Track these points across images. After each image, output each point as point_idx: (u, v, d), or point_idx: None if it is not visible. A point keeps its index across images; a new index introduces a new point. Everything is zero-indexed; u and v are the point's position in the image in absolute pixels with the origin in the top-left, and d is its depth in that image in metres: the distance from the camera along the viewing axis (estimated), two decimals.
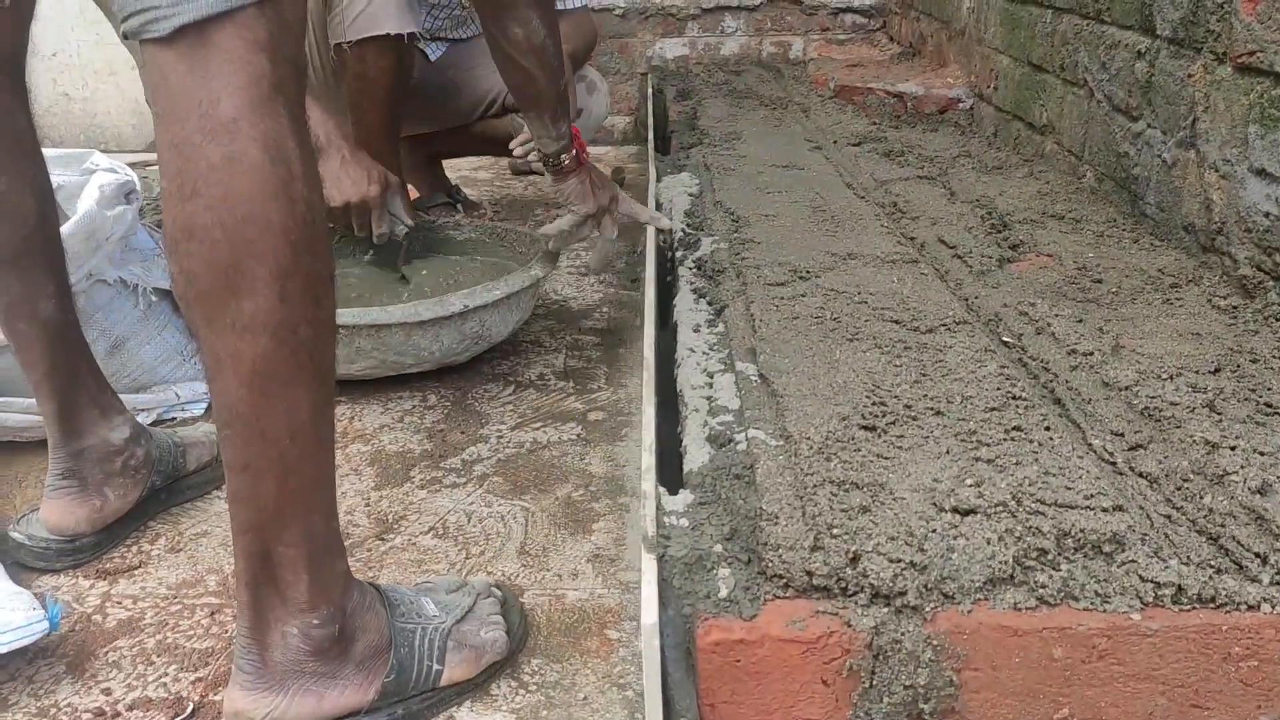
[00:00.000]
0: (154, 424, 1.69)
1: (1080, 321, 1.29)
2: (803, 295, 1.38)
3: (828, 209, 1.80)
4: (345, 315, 1.65)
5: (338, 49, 2.22)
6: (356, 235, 1.93)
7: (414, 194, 2.72)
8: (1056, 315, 1.30)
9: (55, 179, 1.74)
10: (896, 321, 1.29)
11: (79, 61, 3.61)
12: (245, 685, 0.93)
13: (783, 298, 1.37)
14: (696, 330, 1.36)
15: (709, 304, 1.46)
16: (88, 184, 1.70)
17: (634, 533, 1.35)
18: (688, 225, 1.82)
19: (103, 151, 3.48)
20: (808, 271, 1.47)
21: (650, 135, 2.67)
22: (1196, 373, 1.14)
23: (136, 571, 1.29)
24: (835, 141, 2.35)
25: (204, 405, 1.74)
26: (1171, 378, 1.12)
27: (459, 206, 2.76)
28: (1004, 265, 1.54)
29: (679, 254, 1.73)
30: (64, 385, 1.27)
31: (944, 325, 1.28)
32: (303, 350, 0.84)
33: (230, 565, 1.30)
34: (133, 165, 3.26)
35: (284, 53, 0.82)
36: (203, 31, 0.77)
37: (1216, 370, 1.16)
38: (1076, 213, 1.80)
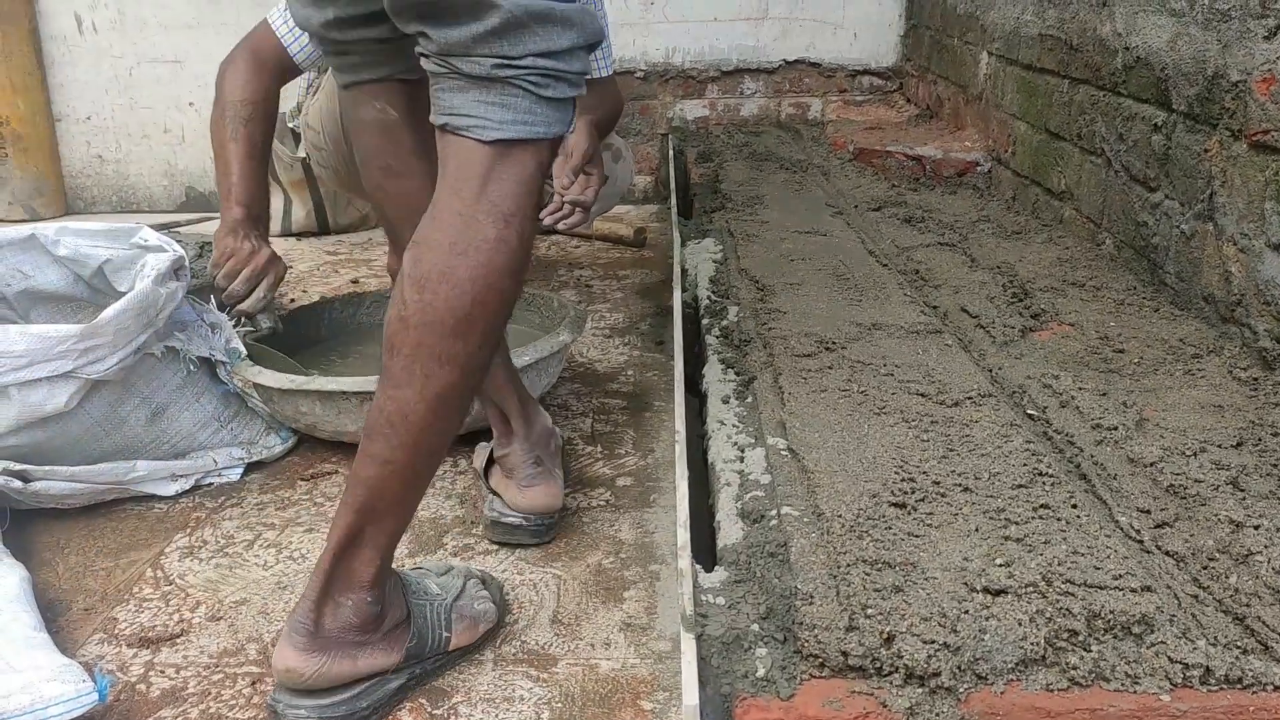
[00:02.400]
0: (191, 489, 1.73)
1: (1104, 395, 1.31)
2: (830, 367, 1.41)
3: (851, 277, 1.83)
4: (358, 382, 1.69)
5: None
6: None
7: None
8: (1080, 388, 1.33)
9: (105, 253, 1.81)
10: (923, 395, 1.31)
11: (113, 125, 3.69)
12: (298, 646, 1.10)
13: (810, 370, 1.40)
14: (725, 402, 1.39)
15: (736, 374, 1.49)
16: (140, 259, 1.75)
17: (665, 601, 1.37)
18: (713, 293, 1.85)
19: (134, 212, 3.55)
20: (834, 342, 1.50)
21: (674, 199, 2.72)
22: (1220, 447, 1.17)
23: (178, 640, 1.32)
24: (856, 206, 2.39)
25: (239, 471, 1.77)
26: (1195, 454, 1.14)
27: None
28: (1026, 335, 1.57)
29: (706, 321, 1.76)
30: (518, 381, 1.51)
31: (969, 398, 1.30)
32: (470, 390, 1.09)
33: (269, 635, 1.32)
34: (162, 227, 3.32)
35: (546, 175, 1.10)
36: (510, 146, 1.04)
37: (1239, 445, 1.18)
38: (1097, 280, 1.82)
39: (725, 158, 3.02)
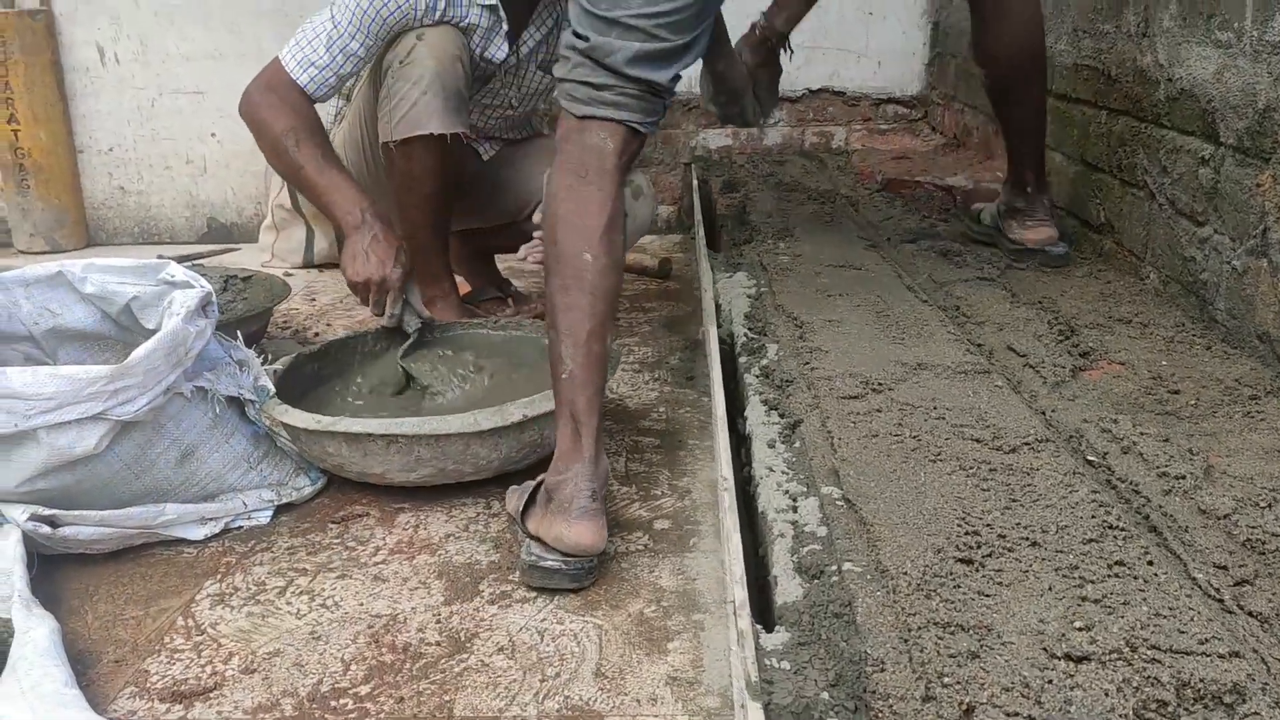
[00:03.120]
0: (220, 533, 1.69)
1: (1166, 440, 1.27)
2: (878, 410, 1.37)
3: (891, 313, 1.80)
4: (405, 425, 1.66)
5: (385, 148, 2.27)
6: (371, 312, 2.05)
7: (465, 288, 2.74)
8: (1141, 433, 1.29)
9: (132, 289, 1.78)
10: (977, 440, 1.27)
11: (134, 156, 3.68)
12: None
13: (858, 413, 1.36)
14: (772, 446, 1.35)
15: (780, 416, 1.45)
16: (167, 295, 1.72)
17: (710, 653, 1.33)
18: (750, 329, 1.82)
19: (156, 243, 3.54)
20: (880, 384, 1.46)
21: (699, 231, 2.69)
22: None
23: (212, 695, 1.28)
24: (889, 238, 2.36)
25: (269, 513, 1.73)
26: (1270, 505, 1.10)
27: (510, 300, 2.78)
28: (1077, 374, 1.53)
29: (744, 360, 1.73)
30: (602, 404, 1.53)
31: (1026, 444, 1.26)
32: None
33: (304, 688, 1.29)
34: (185, 258, 3.30)
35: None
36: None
37: None
38: (1143, 316, 1.79)
39: (751, 188, 2.99)
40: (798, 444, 1.32)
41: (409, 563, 1.60)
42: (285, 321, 2.75)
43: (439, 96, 2.18)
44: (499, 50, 2.30)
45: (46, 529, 1.53)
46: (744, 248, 2.37)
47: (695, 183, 3.29)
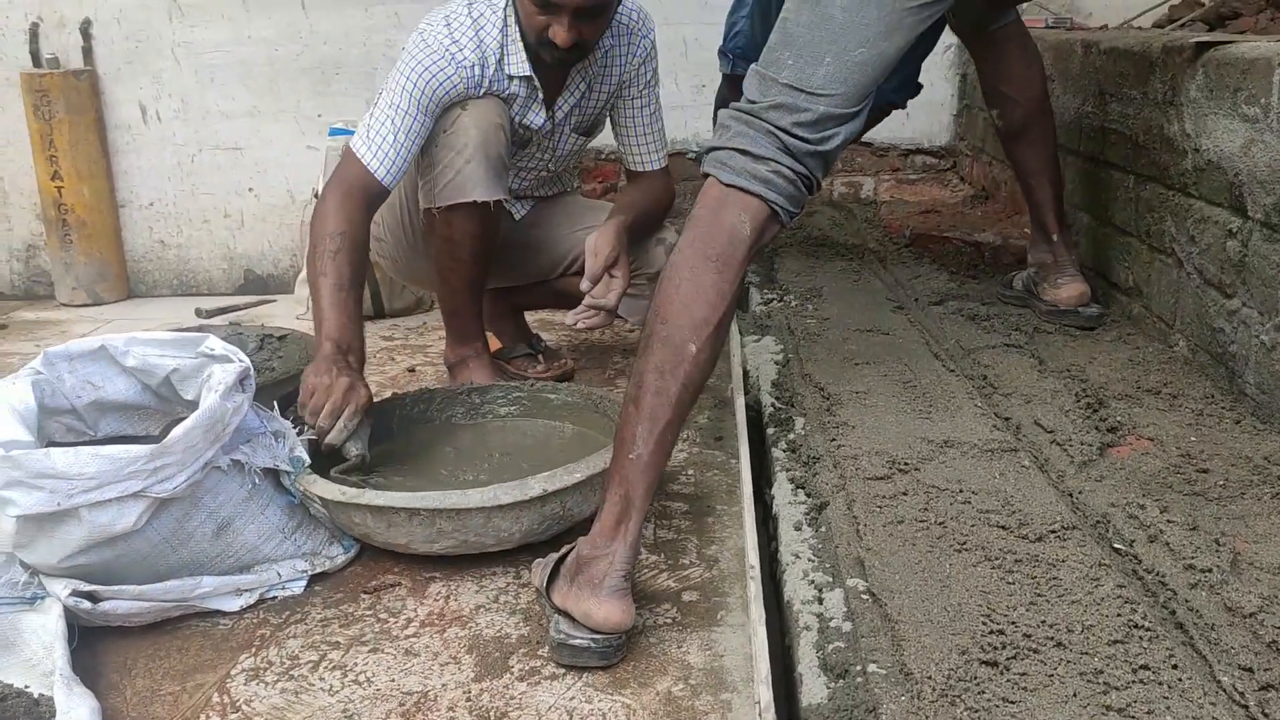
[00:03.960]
0: (256, 604, 1.72)
1: (1194, 529, 1.27)
2: (904, 493, 1.38)
3: (918, 384, 1.81)
4: (427, 499, 1.69)
5: (427, 212, 2.31)
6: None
7: (496, 344, 2.78)
8: (1169, 521, 1.29)
9: (172, 362, 1.82)
10: (1003, 527, 1.28)
11: (174, 211, 3.76)
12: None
13: (884, 496, 1.37)
14: (798, 529, 1.36)
15: (807, 495, 1.46)
16: (205, 368, 1.76)
17: None
18: (777, 400, 1.83)
19: (194, 295, 3.60)
20: (906, 463, 1.47)
21: None
22: None
23: None
24: (917, 299, 2.37)
25: (303, 583, 1.76)
26: None
27: (540, 356, 2.81)
28: (1104, 452, 1.53)
29: (771, 432, 1.74)
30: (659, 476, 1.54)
31: (1052, 531, 1.27)
32: None
33: None
34: (221, 311, 3.35)
35: None
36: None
37: None
38: (1172, 387, 1.78)
39: (780, 242, 3.01)
40: (824, 529, 1.33)
41: (440, 636, 1.62)
42: (300, 342, 2.73)
43: (482, 165, 2.23)
44: (536, 117, 2.35)
45: (87, 604, 1.57)
46: (771, 308, 2.39)
47: None
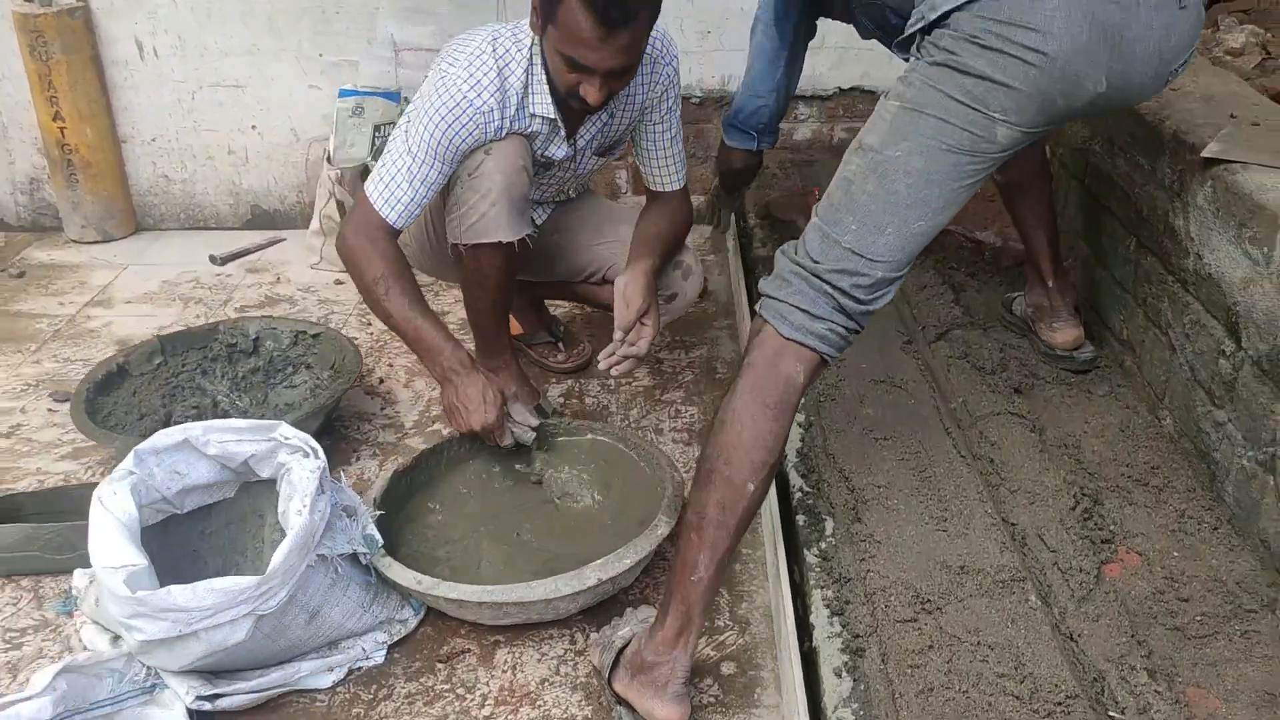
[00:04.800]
0: (345, 676, 1.95)
1: (1176, 702, 1.51)
2: (931, 647, 1.61)
3: (932, 474, 2.00)
4: (495, 593, 1.90)
5: (454, 245, 2.41)
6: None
7: (518, 329, 2.92)
8: (1155, 691, 1.53)
9: (249, 448, 1.98)
10: (1017, 697, 1.52)
11: (177, 146, 3.77)
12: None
13: (913, 651, 1.60)
14: (839, 676, 1.59)
15: (843, 626, 1.68)
16: (277, 450, 1.92)
17: None
18: (805, 482, 2.03)
19: (202, 228, 3.66)
20: (929, 601, 1.69)
21: (741, 289, 2.85)
22: None
23: None
24: (924, 328, 2.53)
25: (383, 653, 1.98)
26: None
27: (560, 344, 2.96)
28: (1099, 576, 1.76)
29: (801, 520, 1.94)
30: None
31: (1059, 704, 1.50)
32: None
33: None
34: (235, 255, 3.41)
35: None
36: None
37: None
38: (1160, 475, 2.00)
39: (784, 234, 3.11)
40: (862, 687, 1.56)
41: (514, 715, 1.86)
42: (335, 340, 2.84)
43: (506, 209, 2.32)
44: (559, 150, 2.42)
45: (209, 705, 1.79)
46: None
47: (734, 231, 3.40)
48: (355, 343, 2.75)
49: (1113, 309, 2.40)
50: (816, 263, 1.66)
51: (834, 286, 1.65)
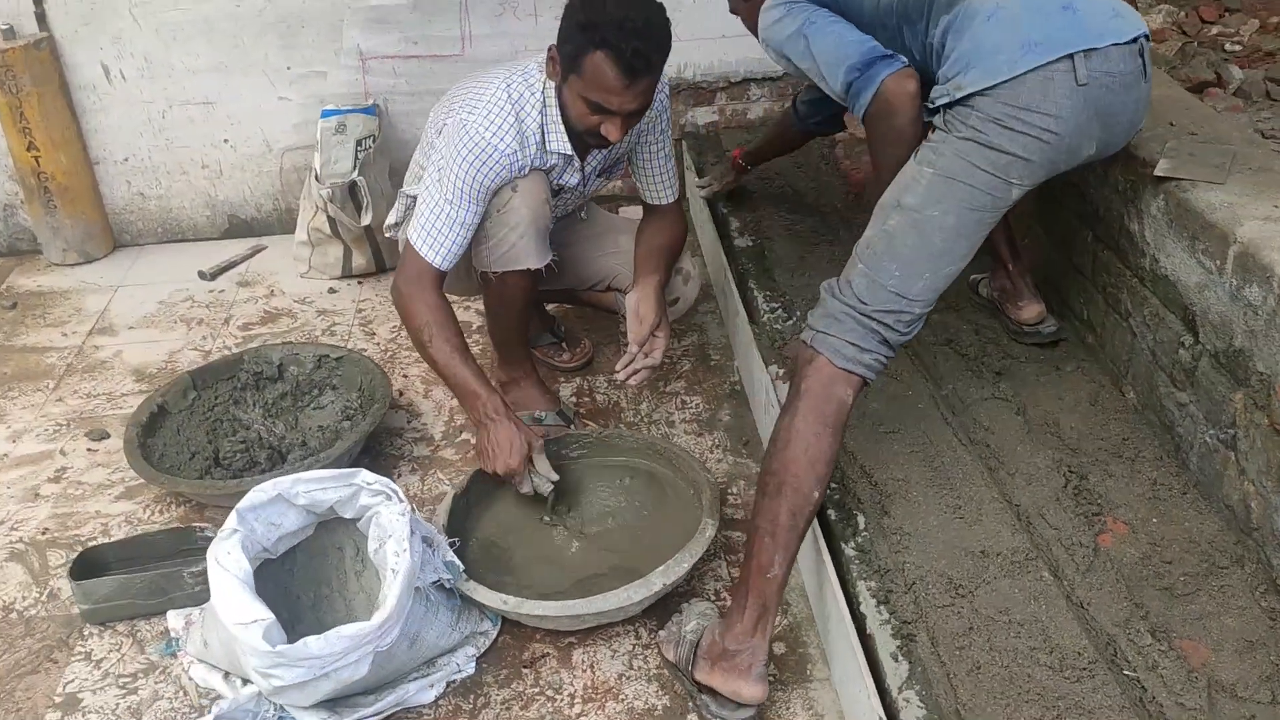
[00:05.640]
0: (445, 691, 2.19)
1: (1178, 658, 1.84)
2: (972, 629, 1.91)
3: (941, 466, 2.29)
4: (574, 607, 2.16)
5: (483, 274, 2.62)
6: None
7: None
8: (1161, 650, 1.85)
9: (334, 495, 2.19)
10: (1050, 668, 1.83)
11: (150, 164, 3.85)
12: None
13: (957, 634, 1.90)
14: (895, 660, 1.89)
15: (890, 613, 1.97)
16: (357, 493, 2.15)
17: None
18: (832, 486, 2.30)
19: (181, 240, 3.76)
20: (962, 587, 1.99)
21: (733, 292, 3.09)
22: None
23: None
24: None
25: (473, 664, 2.23)
26: None
27: (564, 344, 3.18)
28: (1096, 550, 2.07)
29: (833, 515, 2.22)
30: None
31: (1085, 670, 1.82)
32: None
33: None
34: (219, 271, 3.50)
35: None
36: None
37: (1274, 701, 1.73)
38: (1130, 446, 2.31)
39: (767, 226, 3.35)
40: (919, 670, 1.86)
41: (602, 711, 2.13)
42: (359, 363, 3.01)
43: (533, 240, 2.54)
44: (572, 178, 2.63)
45: None
46: (781, 321, 2.81)
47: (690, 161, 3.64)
48: (376, 363, 2.94)
49: (1072, 292, 2.70)
50: (865, 304, 2.01)
51: (881, 323, 2.01)
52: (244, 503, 2.14)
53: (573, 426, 2.85)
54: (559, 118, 2.48)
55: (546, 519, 2.52)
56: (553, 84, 2.44)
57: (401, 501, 2.17)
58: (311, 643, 1.92)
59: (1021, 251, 2.75)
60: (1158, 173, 2.23)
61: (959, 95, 2.04)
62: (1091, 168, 2.52)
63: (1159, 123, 2.44)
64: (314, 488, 2.19)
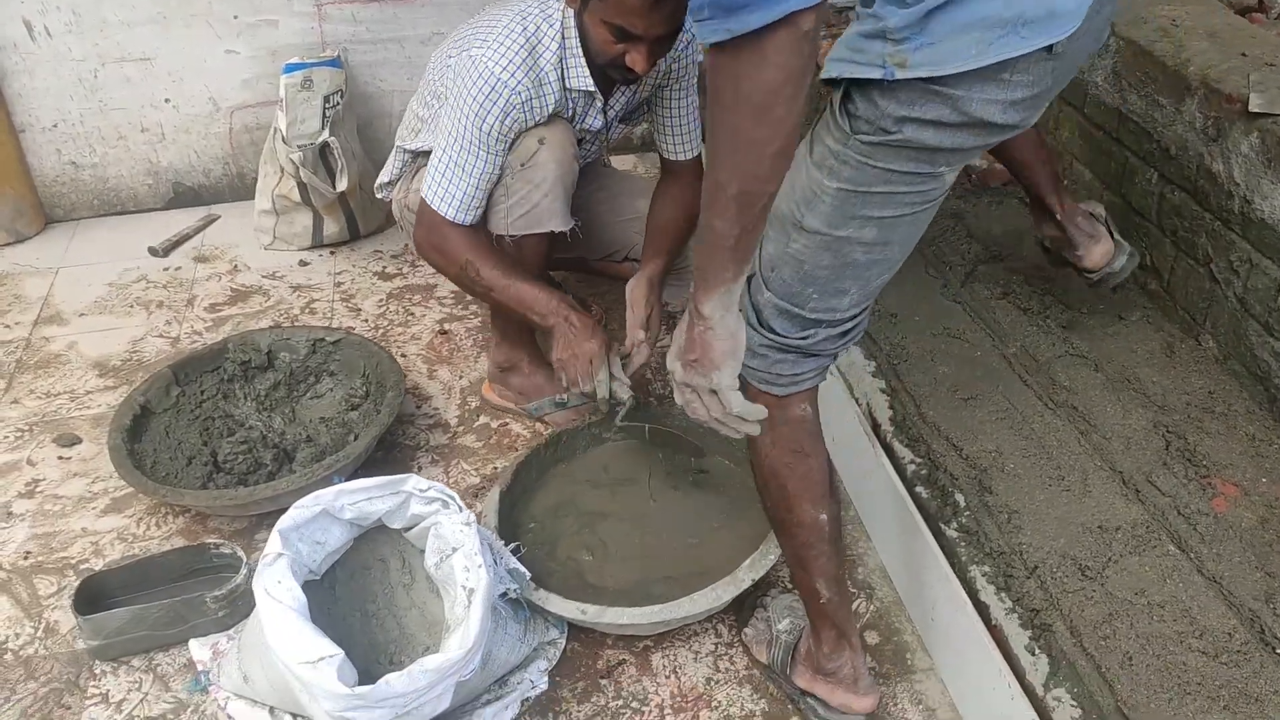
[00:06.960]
0: (520, 711, 1.99)
1: None
2: (1112, 615, 1.77)
3: (1032, 434, 2.14)
4: (659, 612, 1.97)
5: (498, 236, 2.38)
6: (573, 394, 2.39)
7: None
8: None
9: (382, 506, 1.96)
10: (1204, 653, 1.70)
11: (83, 130, 3.46)
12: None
13: (1099, 621, 1.76)
14: (1032, 654, 1.74)
15: (1014, 601, 1.83)
16: (407, 502, 1.96)
17: None
18: (914, 452, 2.14)
19: (119, 213, 3.43)
20: (1089, 568, 1.85)
21: None
22: None
23: None
24: (950, 266, 2.65)
25: (546, 678, 2.02)
26: None
27: None
28: (1216, 516, 1.95)
29: (932, 503, 2.06)
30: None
31: (1239, 651, 1.70)
32: None
33: None
34: (172, 245, 3.18)
35: None
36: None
37: None
38: (1220, 401, 2.20)
39: None
40: (1063, 665, 1.72)
41: None
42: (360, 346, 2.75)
43: (559, 199, 2.32)
44: (595, 121, 2.40)
45: None
46: None
47: None
48: (379, 345, 2.68)
49: (1132, 236, 2.56)
50: (784, 337, 1.63)
51: (807, 347, 1.64)
52: (285, 521, 1.89)
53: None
54: (580, 50, 2.24)
55: (619, 423, 2.39)
56: (572, 11, 2.20)
57: (463, 510, 1.95)
58: (394, 681, 1.70)
59: (1061, 191, 2.57)
60: (1253, 108, 2.08)
61: (900, 76, 1.35)
62: (1158, 104, 2.38)
63: (1230, 54, 2.29)
64: (360, 499, 1.95)
